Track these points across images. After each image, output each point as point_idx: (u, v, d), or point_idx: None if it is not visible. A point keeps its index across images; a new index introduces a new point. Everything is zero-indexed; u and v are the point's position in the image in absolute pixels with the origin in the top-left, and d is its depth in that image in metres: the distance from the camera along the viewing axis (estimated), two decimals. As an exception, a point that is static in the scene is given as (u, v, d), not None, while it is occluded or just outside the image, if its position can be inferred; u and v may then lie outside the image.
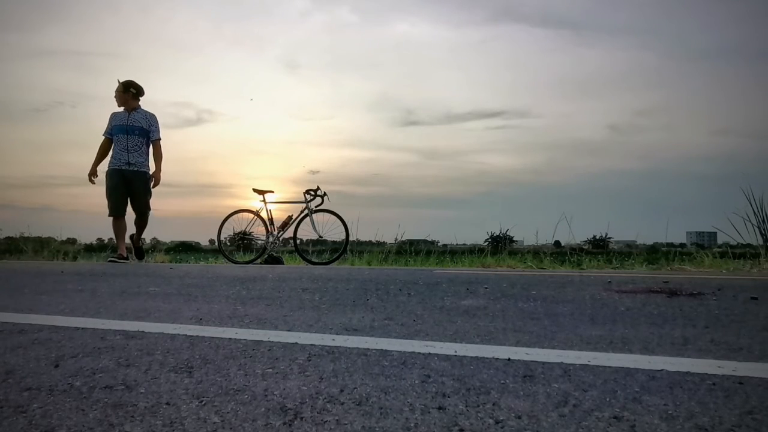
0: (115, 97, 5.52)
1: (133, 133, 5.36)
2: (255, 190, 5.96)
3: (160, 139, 5.53)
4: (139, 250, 5.79)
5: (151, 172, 5.48)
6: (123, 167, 5.29)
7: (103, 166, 5.48)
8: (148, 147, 5.49)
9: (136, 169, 5.33)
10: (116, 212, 5.34)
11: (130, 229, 5.66)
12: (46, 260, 6.82)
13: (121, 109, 5.47)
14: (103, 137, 5.42)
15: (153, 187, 5.46)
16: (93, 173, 5.41)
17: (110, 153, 5.37)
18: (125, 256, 5.40)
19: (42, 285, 2.88)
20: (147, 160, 5.47)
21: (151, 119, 5.51)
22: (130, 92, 5.50)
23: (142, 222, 5.57)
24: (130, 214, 5.57)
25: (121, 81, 5.51)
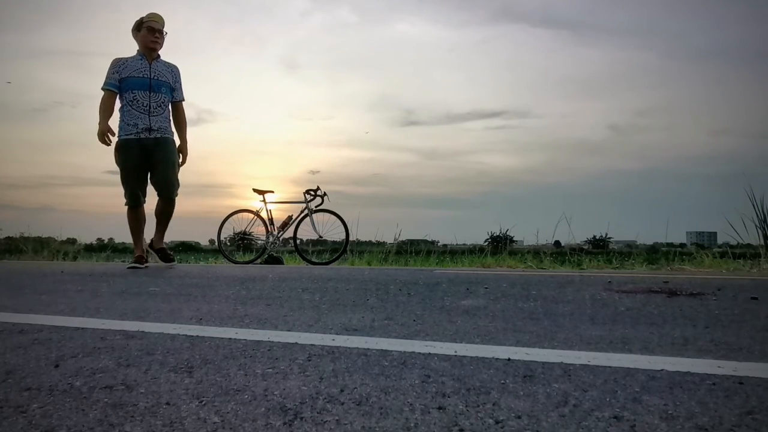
0: (140, 34, 3.89)
1: (158, 90, 3.88)
2: (255, 190, 5.96)
3: (184, 100, 4.11)
4: (164, 253, 4.29)
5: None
6: (142, 135, 3.82)
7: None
8: (170, 109, 4.06)
9: (159, 135, 3.90)
10: (134, 201, 3.95)
11: (147, 226, 4.29)
12: (46, 260, 6.82)
13: (134, 55, 3.92)
14: (104, 91, 3.85)
15: (181, 165, 4.10)
16: (107, 130, 3.78)
17: (119, 117, 3.90)
18: (145, 257, 4.11)
19: (42, 285, 2.88)
20: (170, 124, 4.05)
21: (176, 73, 4.05)
22: (164, 33, 3.97)
23: (167, 208, 4.06)
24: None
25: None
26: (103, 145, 3.82)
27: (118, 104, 3.95)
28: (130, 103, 3.83)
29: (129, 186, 3.91)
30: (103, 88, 3.86)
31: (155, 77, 3.88)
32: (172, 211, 4.12)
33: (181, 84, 4.10)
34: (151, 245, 4.31)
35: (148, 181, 3.99)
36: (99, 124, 3.80)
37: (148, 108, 3.85)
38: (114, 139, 3.87)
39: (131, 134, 3.83)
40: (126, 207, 4.02)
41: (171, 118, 4.06)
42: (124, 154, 3.85)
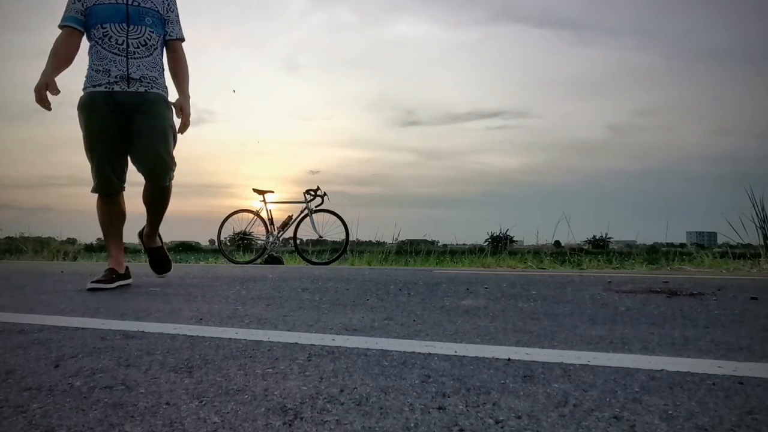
0: None
1: (139, 22, 2.58)
2: (255, 190, 5.97)
3: (183, 40, 2.78)
4: (158, 255, 3.12)
5: (172, 101, 2.74)
6: (116, 87, 2.55)
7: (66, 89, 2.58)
8: (163, 53, 2.75)
9: (143, 89, 2.59)
10: (103, 187, 2.65)
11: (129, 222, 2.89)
12: (46, 260, 6.83)
13: None
14: (61, 29, 2.60)
15: (180, 131, 2.74)
16: (47, 84, 2.47)
17: (88, 63, 2.62)
18: (124, 272, 2.71)
19: (42, 285, 2.88)
20: (162, 76, 2.72)
21: (170, 1, 2.75)
22: None
23: (157, 197, 2.79)
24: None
25: None
26: (45, 109, 2.51)
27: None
28: (100, 41, 2.54)
29: (96, 161, 2.61)
30: (59, 26, 2.60)
31: (134, 3, 2.59)
32: (167, 201, 2.84)
33: (177, 16, 2.78)
34: (141, 239, 3.09)
35: (128, 157, 2.69)
36: (44, 73, 2.48)
37: (125, 47, 2.55)
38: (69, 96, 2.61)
39: (101, 84, 2.54)
40: (97, 197, 2.70)
41: (162, 62, 2.74)
42: (88, 113, 2.57)
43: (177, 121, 2.75)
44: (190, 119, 2.77)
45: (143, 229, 3.06)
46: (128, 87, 2.56)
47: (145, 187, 2.77)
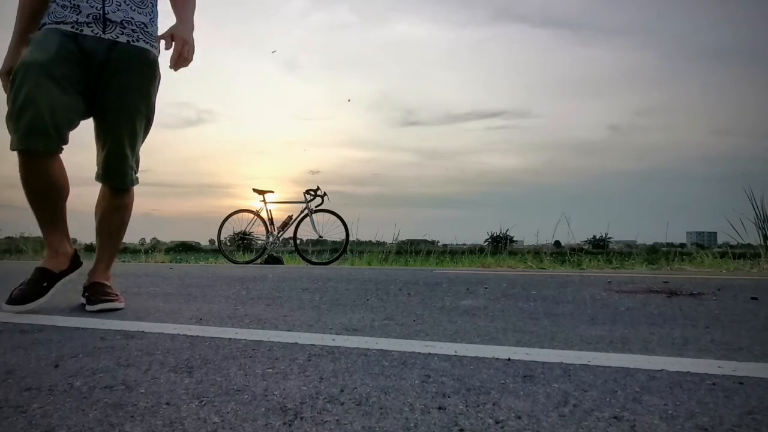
0: None
1: None
2: (255, 190, 5.97)
3: None
4: (97, 292, 1.91)
5: (164, 41, 1.73)
6: (86, 30, 1.73)
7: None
8: None
9: (125, 39, 1.78)
10: (35, 140, 1.62)
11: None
12: (46, 260, 6.81)
13: None
14: None
15: (175, 66, 1.74)
16: (6, 70, 1.81)
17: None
18: (66, 268, 1.91)
19: (42, 285, 2.87)
20: (155, 23, 1.90)
21: None
22: None
23: (115, 208, 1.97)
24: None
25: None
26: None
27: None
28: None
29: (26, 94, 1.62)
30: None
31: None
32: (124, 217, 2.01)
33: None
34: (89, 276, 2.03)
35: (81, 113, 1.79)
36: (14, 39, 1.86)
37: None
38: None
39: (66, 23, 1.74)
40: (19, 157, 1.69)
41: (155, 7, 1.92)
42: (35, 43, 1.72)
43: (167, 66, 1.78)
44: (193, 52, 1.80)
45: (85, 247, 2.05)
46: (103, 32, 1.76)
47: (99, 196, 1.99)
